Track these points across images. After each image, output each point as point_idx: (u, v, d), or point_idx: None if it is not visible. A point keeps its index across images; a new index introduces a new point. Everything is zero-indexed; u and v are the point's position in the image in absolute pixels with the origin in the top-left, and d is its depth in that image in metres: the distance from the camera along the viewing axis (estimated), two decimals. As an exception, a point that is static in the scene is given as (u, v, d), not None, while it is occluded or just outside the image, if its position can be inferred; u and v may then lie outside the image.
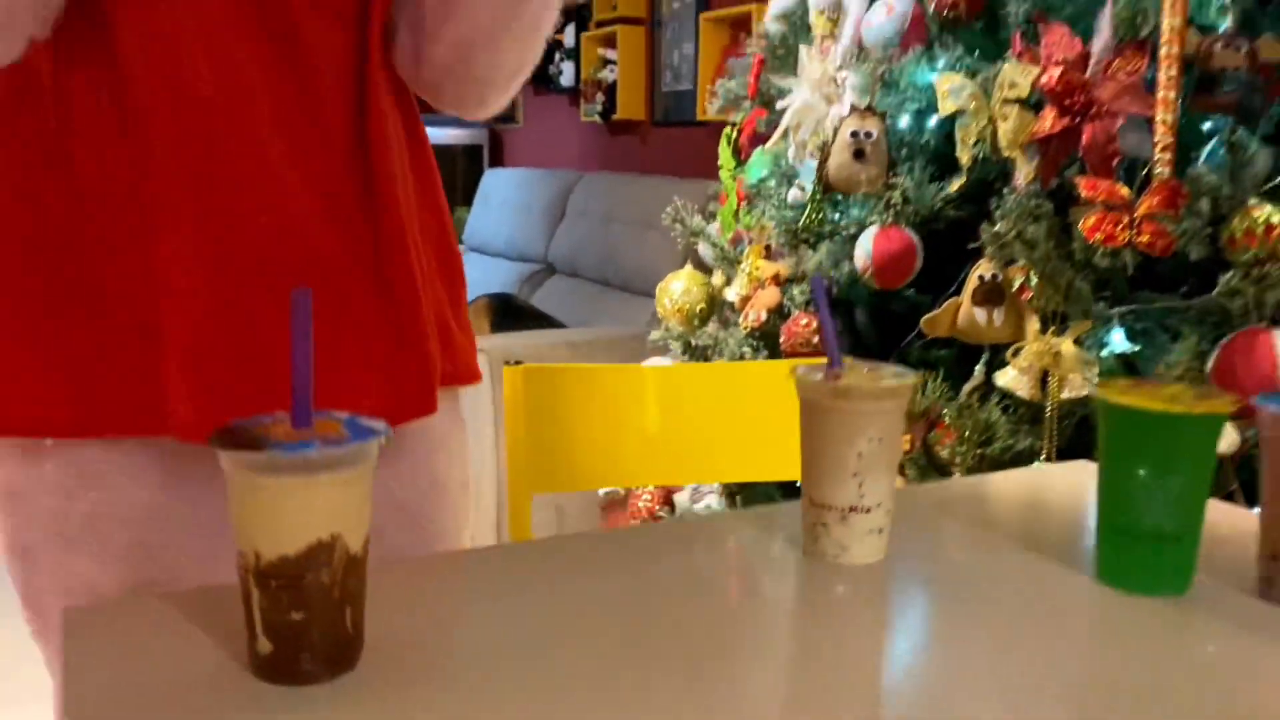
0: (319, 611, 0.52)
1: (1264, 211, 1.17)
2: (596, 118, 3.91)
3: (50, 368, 0.73)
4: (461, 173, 5.01)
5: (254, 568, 0.52)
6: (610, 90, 3.81)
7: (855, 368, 0.75)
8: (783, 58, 1.56)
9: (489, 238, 4.36)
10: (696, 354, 1.63)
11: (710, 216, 1.80)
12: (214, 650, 0.56)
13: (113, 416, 0.74)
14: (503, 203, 4.29)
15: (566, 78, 4.14)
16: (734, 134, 1.71)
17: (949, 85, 1.24)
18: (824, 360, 0.75)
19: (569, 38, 4.11)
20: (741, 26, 3.14)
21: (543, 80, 4.32)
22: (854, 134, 1.32)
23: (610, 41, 3.81)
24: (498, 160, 5.10)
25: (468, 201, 4.73)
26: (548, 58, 4.29)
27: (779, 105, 1.54)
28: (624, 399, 1.27)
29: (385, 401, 0.79)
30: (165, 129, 0.71)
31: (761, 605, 0.70)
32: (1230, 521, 0.81)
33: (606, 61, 3.84)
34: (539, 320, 3.13)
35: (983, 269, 1.24)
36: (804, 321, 1.41)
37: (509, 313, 3.14)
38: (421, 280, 0.82)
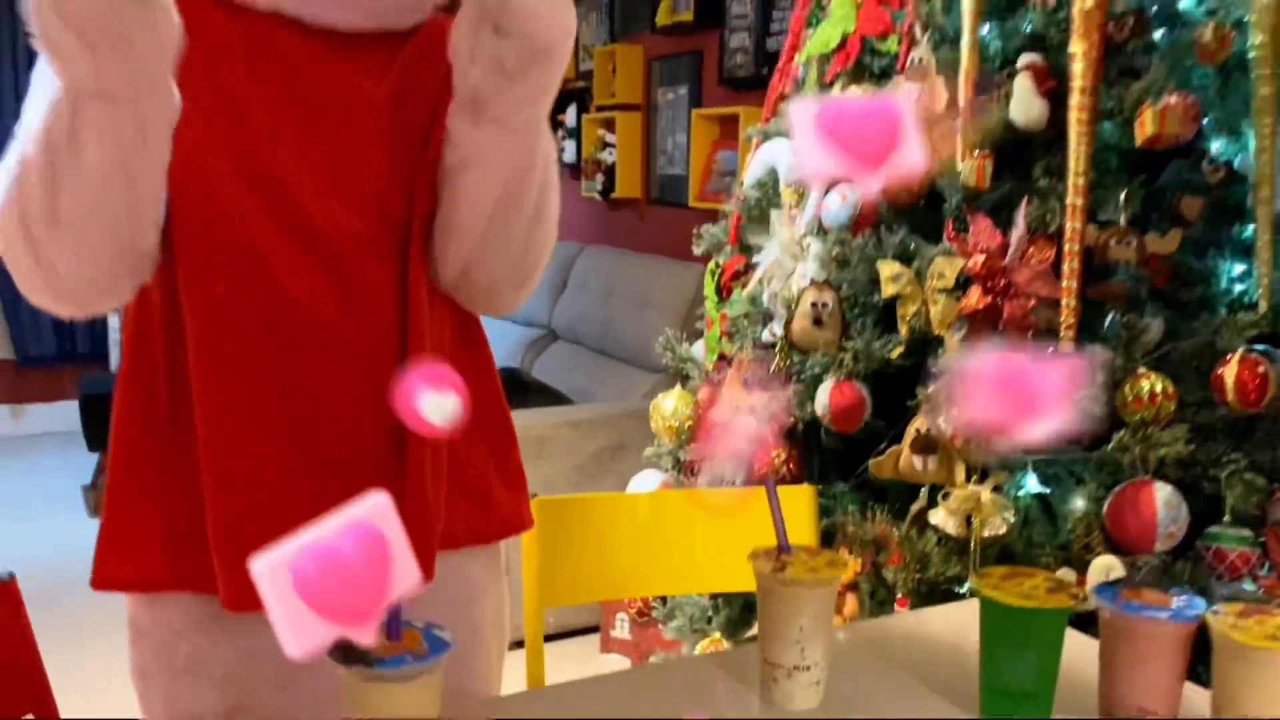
0: None
1: (1150, 381, 1.42)
2: (596, 194, 4.18)
3: (157, 535, 0.97)
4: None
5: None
6: (610, 170, 4.07)
7: (799, 556, 0.99)
8: (757, 217, 1.82)
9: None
10: (684, 468, 1.87)
11: (696, 335, 2.06)
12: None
13: (199, 578, 0.97)
14: (508, 269, 4.53)
15: (569, 155, 4.41)
16: (718, 272, 1.96)
17: (889, 272, 1.49)
18: (775, 545, 0.99)
19: (571, 118, 4.38)
20: (730, 124, 3.41)
21: (546, 154, 4.58)
22: (813, 304, 1.57)
23: (610, 125, 4.08)
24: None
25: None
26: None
27: (754, 259, 1.80)
28: (620, 522, 1.51)
29: None
30: (237, 354, 0.93)
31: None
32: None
33: (606, 144, 4.11)
34: (543, 394, 3.38)
35: (919, 424, 1.49)
36: (775, 453, 1.65)
37: (517, 387, 3.39)
38: (434, 475, 1.02)
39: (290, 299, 0.93)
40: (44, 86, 0.83)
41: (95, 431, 4.03)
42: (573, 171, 4.43)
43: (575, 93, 4.38)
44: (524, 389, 3.40)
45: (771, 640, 0.97)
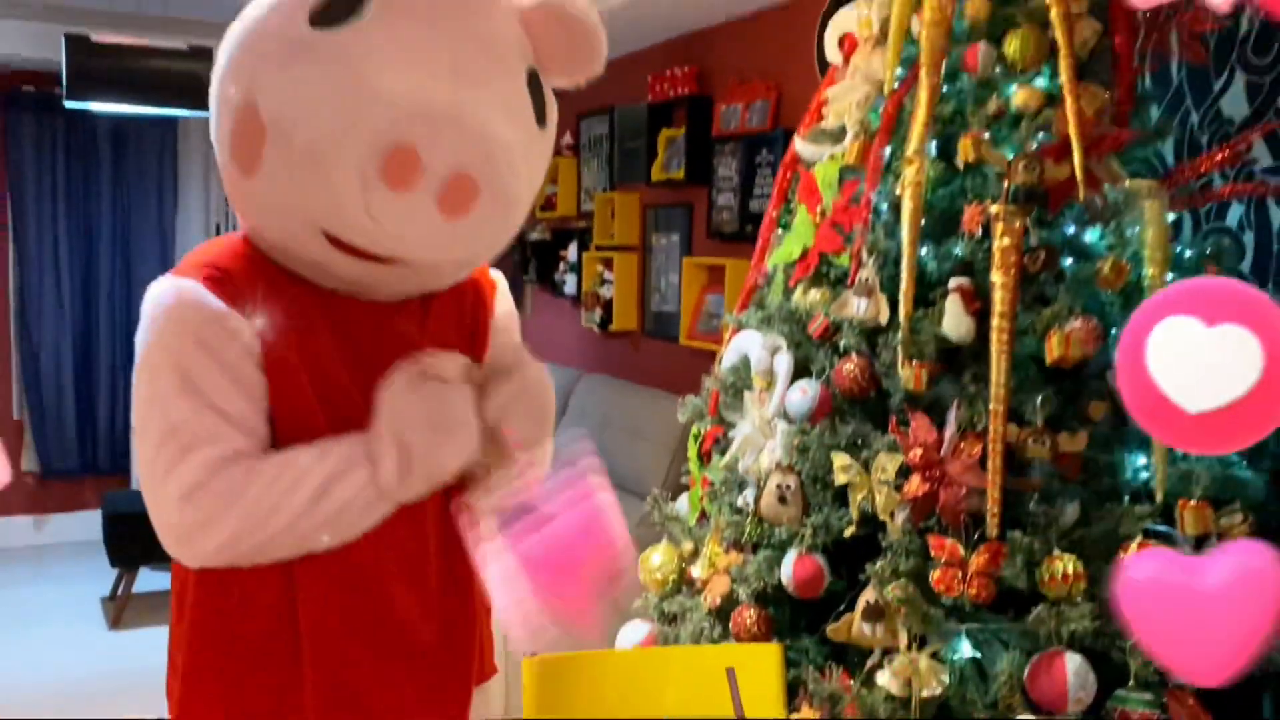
0: None
1: (1063, 562, 1.67)
2: (595, 325, 4.47)
3: None
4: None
5: None
6: (608, 304, 4.37)
7: None
8: (733, 396, 2.08)
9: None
10: (667, 618, 2.10)
11: (682, 488, 2.31)
12: None
13: None
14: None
15: (569, 287, 4.72)
16: (700, 438, 2.22)
17: (841, 464, 1.75)
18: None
19: (572, 253, 4.70)
20: (717, 271, 3.71)
21: (550, 284, 4.90)
22: (778, 485, 1.83)
23: (609, 263, 4.40)
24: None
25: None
26: (554, 266, 4.88)
27: (730, 432, 2.06)
28: (609, 679, 1.74)
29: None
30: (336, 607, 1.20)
31: None
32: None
33: (604, 279, 4.42)
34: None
35: (869, 595, 1.73)
36: (748, 614, 1.89)
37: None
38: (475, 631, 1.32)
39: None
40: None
41: (117, 549, 4.25)
42: (573, 302, 4.74)
43: (576, 231, 4.71)
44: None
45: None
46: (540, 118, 1.23)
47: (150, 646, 4.02)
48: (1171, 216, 1.90)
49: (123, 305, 5.47)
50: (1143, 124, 1.98)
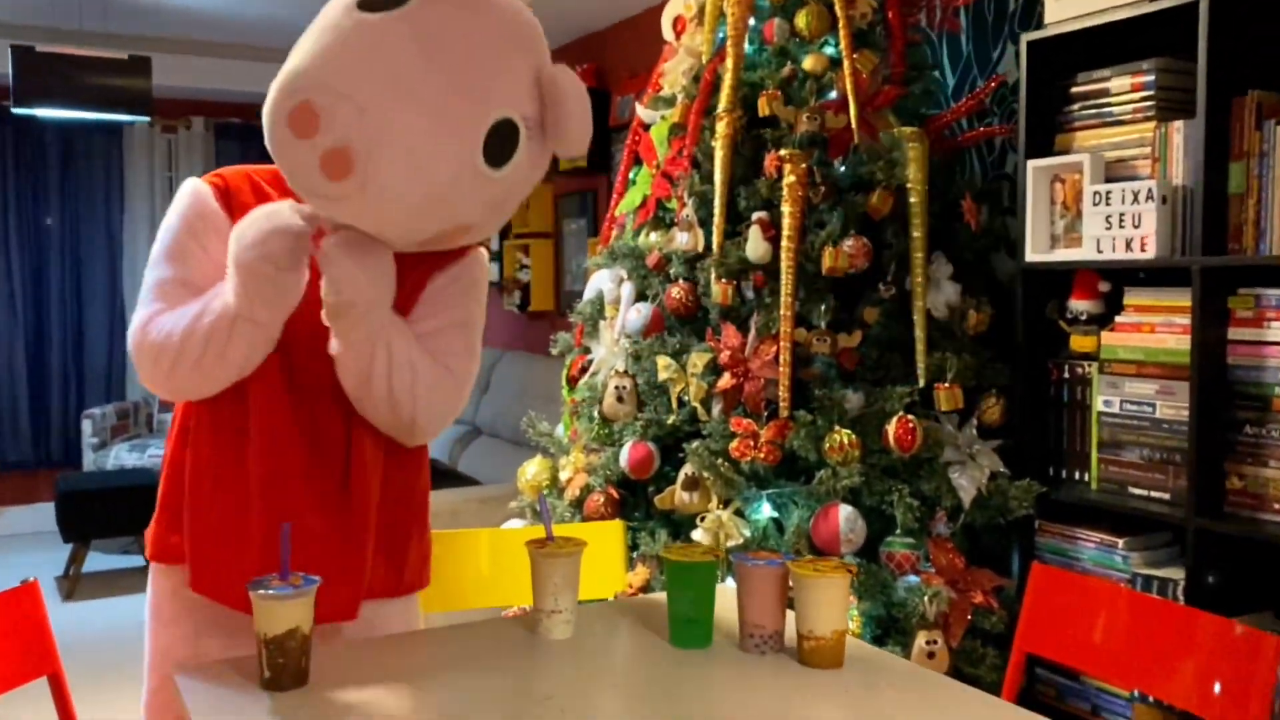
0: (291, 658, 1.32)
1: (841, 435, 2.04)
2: (515, 308, 4.83)
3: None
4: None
5: (263, 638, 1.32)
6: (526, 287, 4.73)
7: (557, 542, 1.56)
8: (592, 328, 2.45)
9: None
10: (537, 514, 2.45)
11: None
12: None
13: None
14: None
15: (492, 274, 5.07)
16: (568, 368, 2.58)
17: (663, 363, 2.12)
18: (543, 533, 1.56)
19: (494, 243, 5.06)
20: (618, 248, 4.09)
21: (474, 274, 5.24)
22: (616, 386, 2.19)
23: (526, 250, 4.76)
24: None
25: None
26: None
27: (590, 357, 2.42)
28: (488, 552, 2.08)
29: (326, 609, 1.46)
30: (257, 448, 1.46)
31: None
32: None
33: (523, 265, 4.78)
34: (459, 480, 3.96)
35: (687, 469, 2.10)
36: (599, 499, 2.25)
37: (438, 475, 3.97)
38: (369, 538, 1.51)
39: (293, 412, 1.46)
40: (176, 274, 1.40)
41: (69, 525, 4.53)
42: (496, 289, 5.09)
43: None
44: (443, 475, 3.97)
45: (537, 595, 1.53)
46: (492, 159, 1.30)
47: (100, 613, 4.32)
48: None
49: (73, 306, 5.76)
50: (925, 85, 2.38)
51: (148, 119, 4.61)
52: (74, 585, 4.63)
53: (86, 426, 5.31)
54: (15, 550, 5.41)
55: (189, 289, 1.43)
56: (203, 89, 5.63)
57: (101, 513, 4.49)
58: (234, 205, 1.45)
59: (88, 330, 5.83)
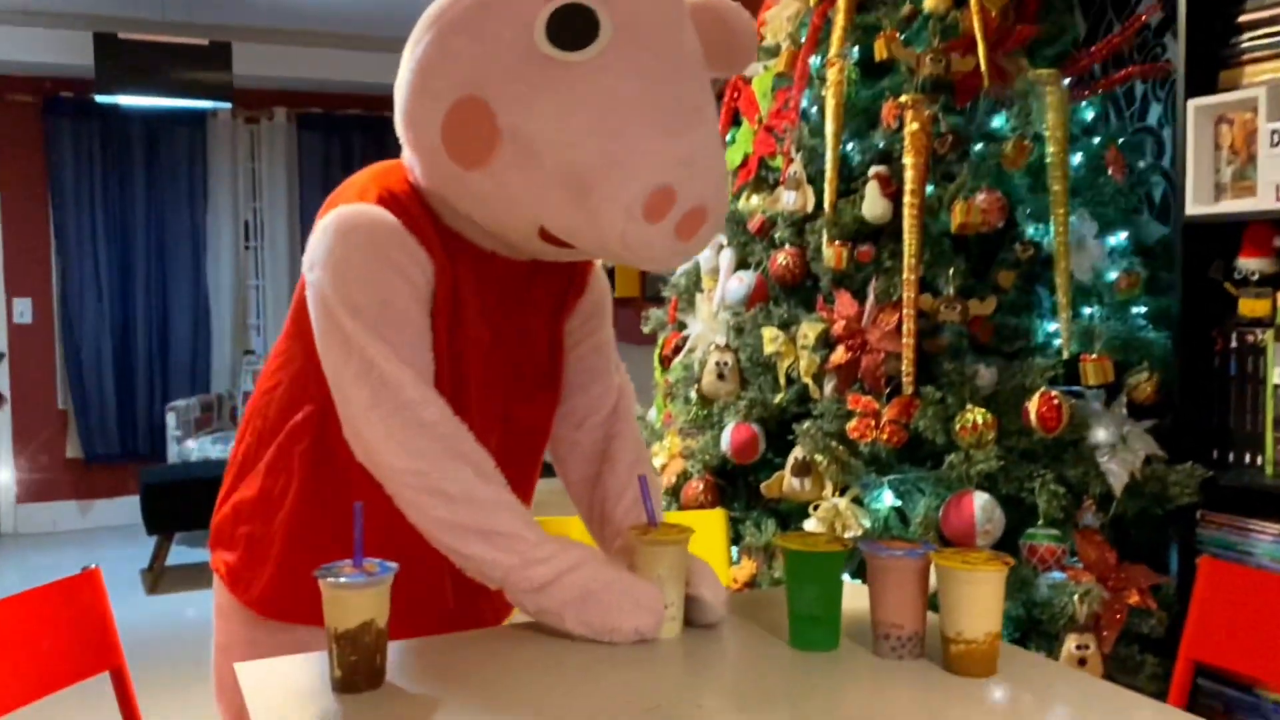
0: (364, 655, 1.16)
1: (973, 414, 1.81)
2: (599, 295, 4.66)
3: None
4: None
5: (334, 633, 1.16)
6: (610, 274, 4.56)
7: (661, 528, 1.37)
8: (688, 300, 2.25)
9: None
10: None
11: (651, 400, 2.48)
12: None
13: None
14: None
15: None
16: (660, 347, 2.39)
17: (769, 335, 1.91)
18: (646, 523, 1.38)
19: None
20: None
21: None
22: (716, 363, 1.99)
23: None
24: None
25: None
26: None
27: (686, 333, 2.23)
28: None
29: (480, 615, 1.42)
30: None
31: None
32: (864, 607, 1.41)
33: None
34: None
35: (797, 453, 1.89)
36: (698, 486, 2.05)
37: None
38: None
39: None
40: None
41: (153, 518, 4.49)
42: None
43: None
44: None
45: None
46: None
47: (182, 608, 4.27)
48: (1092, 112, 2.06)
49: (158, 299, 5.77)
50: (1060, 26, 2.13)
51: (228, 105, 4.55)
52: (158, 578, 4.60)
53: (171, 419, 5.29)
54: (102, 544, 5.43)
55: (416, 369, 1.26)
56: (285, 78, 5.58)
57: (184, 505, 4.44)
58: (416, 231, 1.26)
59: (172, 321, 5.83)
